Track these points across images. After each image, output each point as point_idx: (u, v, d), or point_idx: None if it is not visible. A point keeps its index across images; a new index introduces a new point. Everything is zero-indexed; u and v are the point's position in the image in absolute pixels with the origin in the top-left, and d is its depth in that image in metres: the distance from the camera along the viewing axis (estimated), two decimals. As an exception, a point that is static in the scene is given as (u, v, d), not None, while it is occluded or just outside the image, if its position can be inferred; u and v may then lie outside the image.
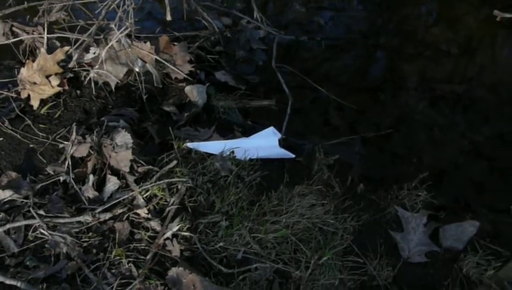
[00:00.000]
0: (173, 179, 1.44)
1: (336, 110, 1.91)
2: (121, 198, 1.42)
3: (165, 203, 1.42)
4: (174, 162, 1.50)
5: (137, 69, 1.93)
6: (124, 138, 1.54)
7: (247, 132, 1.83)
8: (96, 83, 1.90)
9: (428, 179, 1.47)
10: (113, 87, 1.88)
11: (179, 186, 1.44)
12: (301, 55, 2.14)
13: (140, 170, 1.51)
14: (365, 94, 1.97)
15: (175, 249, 1.29)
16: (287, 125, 1.72)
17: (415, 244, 1.24)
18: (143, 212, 1.39)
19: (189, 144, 1.61)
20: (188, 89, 1.93)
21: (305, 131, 1.83)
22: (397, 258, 1.23)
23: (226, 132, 1.80)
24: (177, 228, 1.33)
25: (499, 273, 1.12)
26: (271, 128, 1.72)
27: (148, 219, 1.38)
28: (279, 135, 1.69)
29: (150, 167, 1.51)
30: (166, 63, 1.96)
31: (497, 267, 1.17)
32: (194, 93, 1.92)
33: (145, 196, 1.42)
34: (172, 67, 1.96)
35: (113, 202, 1.41)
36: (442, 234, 1.27)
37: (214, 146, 1.61)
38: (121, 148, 1.51)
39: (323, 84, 1.97)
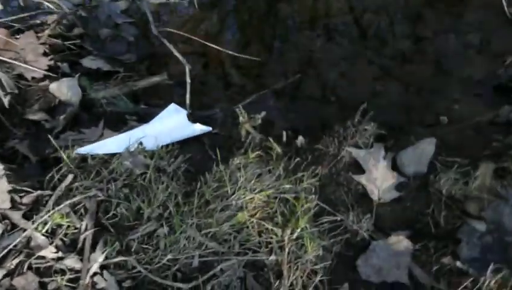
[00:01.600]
0: (76, 198, 1.11)
1: (235, 69, 1.69)
2: (11, 244, 1.05)
3: (76, 230, 1.08)
4: (70, 176, 1.16)
5: (-24, 78, 1.48)
6: None
7: (144, 118, 1.52)
8: None
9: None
10: None
11: (87, 204, 1.11)
12: (177, 19, 1.86)
13: (26, 200, 1.13)
14: (258, 45, 1.79)
15: (110, 283, 0.98)
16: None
17: (381, 181, 1.11)
18: (49, 252, 1.04)
19: (81, 150, 1.26)
20: (53, 87, 1.54)
21: (208, 100, 1.59)
22: (369, 202, 1.09)
23: (119, 125, 1.48)
24: (103, 256, 1.01)
25: (480, 181, 1.05)
26: (172, 106, 1.45)
27: (59, 259, 1.04)
28: (184, 111, 1.43)
29: (39, 192, 1.14)
30: (13, 61, 1.53)
31: (472, 177, 1.09)
32: (63, 90, 1.54)
33: (44, 231, 1.07)
34: (24, 65, 1.55)
35: (2, 254, 1.03)
36: (401, 161, 1.16)
37: (113, 143, 1.28)
38: (-10, 179, 1.11)
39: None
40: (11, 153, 1.38)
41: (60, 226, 1.08)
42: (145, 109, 1.54)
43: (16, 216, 1.10)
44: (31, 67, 1.56)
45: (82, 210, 1.11)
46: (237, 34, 1.85)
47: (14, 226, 1.10)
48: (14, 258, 1.04)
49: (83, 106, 1.54)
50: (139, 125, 1.44)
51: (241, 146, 1.28)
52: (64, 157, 1.18)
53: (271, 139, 1.22)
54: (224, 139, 1.36)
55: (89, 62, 1.65)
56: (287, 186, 1.08)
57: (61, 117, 1.46)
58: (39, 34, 1.68)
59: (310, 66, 1.70)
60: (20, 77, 1.56)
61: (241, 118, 1.26)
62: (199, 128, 1.31)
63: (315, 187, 1.09)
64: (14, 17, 1.72)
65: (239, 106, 1.37)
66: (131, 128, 1.44)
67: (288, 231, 0.99)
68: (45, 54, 1.62)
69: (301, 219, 1.01)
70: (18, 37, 1.63)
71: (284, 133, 1.28)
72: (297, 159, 1.18)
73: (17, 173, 1.29)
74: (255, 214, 1.03)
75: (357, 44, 1.76)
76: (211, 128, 1.34)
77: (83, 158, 1.25)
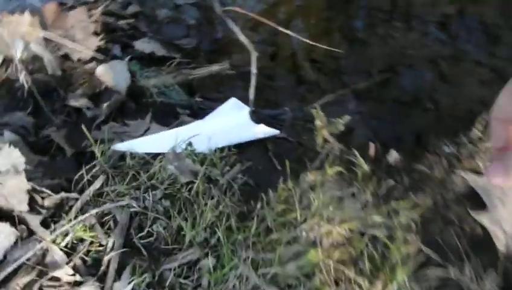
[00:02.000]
0: (105, 207, 0.88)
1: (309, 62, 1.42)
2: (25, 257, 0.84)
3: (100, 248, 0.86)
4: (101, 178, 0.94)
5: (18, 55, 1.31)
6: (9, 157, 0.94)
7: (198, 113, 1.29)
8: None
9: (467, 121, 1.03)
10: (-15, 88, 1.26)
11: (117, 216, 0.88)
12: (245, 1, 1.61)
13: (47, 202, 0.92)
14: (338, 34, 1.50)
15: (134, 326, 0.75)
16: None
17: (511, 224, 0.80)
18: (65, 273, 0.82)
19: (119, 146, 1.04)
20: (100, 70, 1.34)
21: (275, 97, 1.33)
22: (493, 252, 0.78)
23: (169, 119, 1.25)
24: (129, 288, 0.78)
25: None
26: (233, 100, 1.20)
27: (76, 284, 0.82)
28: (246, 108, 1.17)
29: (63, 194, 0.93)
30: (60, 40, 1.35)
31: None
32: (111, 74, 1.34)
33: (63, 244, 0.85)
34: (72, 44, 1.36)
35: (12, 267, 0.83)
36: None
37: (157, 141, 1.06)
38: (7, 174, 0.92)
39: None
40: (45, 143, 1.19)
41: (81, 241, 0.86)
42: (200, 103, 1.30)
43: (34, 222, 0.89)
44: (78, 47, 1.37)
45: (111, 222, 0.88)
46: (314, 20, 1.57)
47: (30, 233, 0.90)
48: (25, 275, 0.84)
49: (130, 94, 1.33)
50: (192, 121, 1.21)
51: (314, 157, 1.01)
52: (98, 153, 0.96)
53: (356, 152, 0.94)
54: (294, 147, 1.09)
55: (142, 45, 1.44)
56: (378, 218, 0.79)
57: (105, 105, 1.26)
58: (91, 12, 1.50)
59: (401, 64, 1.39)
60: (66, 57, 1.38)
61: (317, 122, 0.98)
62: (263, 130, 1.05)
63: (416, 224, 0.80)
64: (67, -8, 1.55)
65: (315, 106, 1.09)
66: (182, 124, 1.21)
67: (379, 285, 0.71)
68: (96, 34, 1.43)
69: (398, 268, 0.72)
70: (69, 13, 1.45)
71: (372, 145, 0.99)
72: (390, 181, 0.89)
73: (48, 166, 1.09)
74: (332, 253, 0.75)
75: (460, 40, 1.43)
76: (278, 132, 1.07)
77: (121, 156, 1.03)
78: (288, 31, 1.36)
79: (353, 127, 1.18)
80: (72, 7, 1.53)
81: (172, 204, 0.89)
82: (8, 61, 1.32)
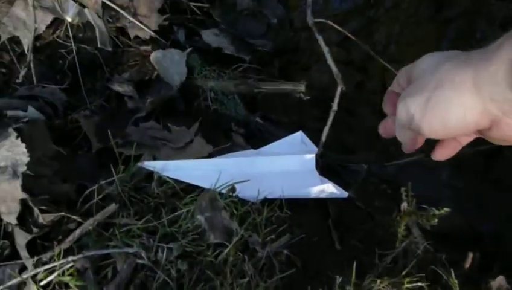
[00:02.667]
0: (107, 250, 0.68)
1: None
2: (-5, 285, 0.66)
3: (86, 303, 0.66)
4: (113, 206, 0.73)
5: (69, 19, 1.13)
6: (12, 151, 0.76)
7: (254, 136, 1.06)
8: (-3, 38, 1.10)
9: None
10: (26, 48, 1.09)
11: (118, 266, 0.68)
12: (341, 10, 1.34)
13: (43, 219, 0.73)
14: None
15: None
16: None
17: None
18: (33, 328, 0.63)
19: (148, 164, 0.84)
20: (156, 56, 1.14)
21: (351, 140, 1.08)
22: None
23: (218, 135, 1.04)
24: None
25: None
26: (300, 135, 0.96)
27: None
28: (314, 149, 0.93)
29: (64, 213, 0.73)
30: (120, 10, 1.16)
31: None
32: (167, 64, 1.14)
33: (44, 283, 0.66)
34: (131, 19, 1.16)
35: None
36: None
37: (196, 170, 0.84)
38: (3, 173, 0.73)
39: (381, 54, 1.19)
40: (72, 129, 1.01)
41: (66, 286, 0.66)
42: (260, 123, 1.07)
43: (21, 240, 0.71)
44: (138, 23, 1.17)
45: (109, 271, 0.68)
46: (417, 49, 1.28)
47: (13, 252, 0.71)
48: (-10, 308, 0.65)
49: (182, 92, 1.12)
50: (245, 146, 0.98)
51: (388, 242, 0.76)
52: (114, 172, 0.76)
53: (446, 263, 0.68)
54: (362, 217, 0.84)
55: (210, 36, 1.22)
56: None
57: (150, 99, 1.06)
58: (163, -16, 1.29)
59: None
60: (122, 31, 1.18)
61: (403, 205, 0.73)
62: (329, 190, 0.81)
63: None
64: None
65: (385, 165, 0.84)
66: (233, 147, 0.99)
67: None
68: (161, 11, 1.22)
69: None
70: (138, -19, 1.25)
71: (470, 255, 0.72)
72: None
73: (65, 162, 0.91)
74: None
75: None
76: (346, 194, 0.83)
77: (148, 175, 0.83)
78: (381, 60, 1.09)
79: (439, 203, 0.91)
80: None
81: (190, 269, 0.67)
82: (58, 23, 1.15)
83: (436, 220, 0.71)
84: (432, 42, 1.33)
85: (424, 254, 0.71)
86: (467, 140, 0.51)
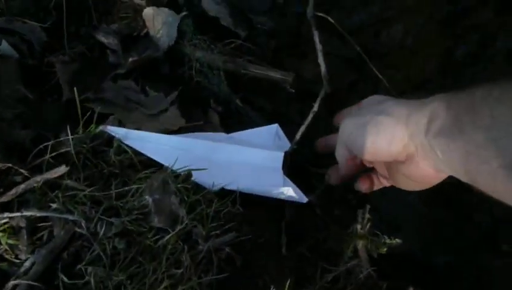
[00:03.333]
0: (47, 213, 0.66)
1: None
2: None
3: (16, 261, 0.64)
4: (62, 169, 0.71)
5: (64, -46, 1.07)
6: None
7: (231, 116, 1.03)
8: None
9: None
10: (13, -24, 1.03)
11: (55, 231, 0.66)
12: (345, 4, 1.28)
13: (-11, 166, 0.70)
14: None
15: None
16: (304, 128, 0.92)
17: None
18: (-46, 277, 0.61)
19: (111, 129, 0.81)
20: (149, 12, 1.09)
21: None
22: None
23: (194, 110, 1.01)
24: None
25: None
26: (276, 128, 0.94)
27: (-40, 298, 0.61)
28: (286, 144, 0.91)
29: (11, 165, 0.71)
30: (121, -44, 1.10)
31: None
32: (158, 23, 1.09)
33: (-26, 234, 0.64)
34: (130, -32, 1.10)
35: None
36: None
37: (161, 144, 0.81)
38: (-45, 112, 0.70)
39: (374, 57, 1.15)
40: (45, 73, 0.97)
41: (-4, 242, 0.64)
42: (240, 105, 1.04)
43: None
44: (137, -26, 1.11)
45: (45, 234, 0.66)
46: (417, 69, 1.24)
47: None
48: None
49: (168, 56, 1.08)
50: (218, 129, 0.95)
51: (335, 259, 0.75)
52: (69, 133, 0.73)
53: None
54: (316, 226, 0.83)
55: (210, 4, 1.17)
56: None
57: (133, 58, 1.02)
58: None
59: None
60: (118, -21, 1.12)
61: (357, 226, 0.71)
62: (291, 193, 0.79)
63: None
64: None
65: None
66: (207, 125, 0.96)
67: None
68: (164, -34, 1.16)
69: None
70: None
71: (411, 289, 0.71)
72: None
73: (30, 107, 0.88)
74: None
75: None
76: (305, 200, 0.81)
77: (109, 142, 0.80)
78: (376, 72, 1.06)
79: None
80: None
81: (127, 248, 0.65)
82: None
83: (385, 249, 0.70)
84: (442, 52, 1.28)
85: (365, 279, 0.70)
86: (384, 183, 0.67)
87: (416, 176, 0.52)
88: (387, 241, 0.69)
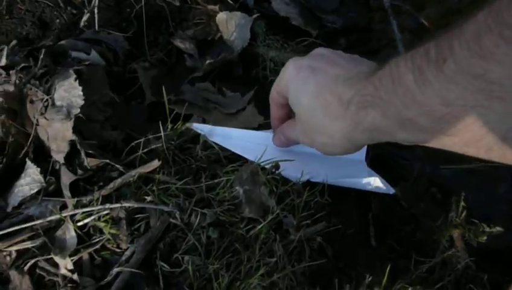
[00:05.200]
0: (144, 204, 0.69)
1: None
2: (36, 221, 0.68)
3: (118, 250, 0.68)
4: (155, 163, 0.74)
5: (142, -33, 1.13)
6: (69, 91, 0.77)
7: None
8: (73, -22, 1.12)
9: None
10: (97, -9, 1.10)
11: (152, 221, 0.69)
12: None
13: (88, 163, 0.75)
14: None
15: None
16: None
17: None
18: (64, 265, 0.65)
19: (197, 126, 0.83)
20: (222, 17, 1.12)
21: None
22: None
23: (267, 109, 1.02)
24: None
25: None
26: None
27: (71, 282, 0.65)
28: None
29: (109, 160, 0.75)
30: (194, -35, 1.14)
31: None
32: (231, 26, 1.12)
33: (81, 224, 0.68)
34: (203, -25, 1.14)
35: (18, 226, 0.68)
36: None
37: (245, 139, 0.83)
38: (58, 113, 0.75)
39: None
40: (129, 79, 1.02)
41: (100, 232, 0.67)
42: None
43: (66, 180, 0.73)
44: (209, -19, 1.15)
45: (142, 225, 0.69)
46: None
47: (57, 189, 0.74)
48: (25, 240, 0.68)
49: (242, 58, 1.10)
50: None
51: (427, 250, 0.72)
52: (161, 128, 0.76)
53: (487, 284, 0.64)
54: (404, 219, 0.80)
55: (280, 5, 1.18)
56: None
57: (210, 61, 1.05)
58: None
59: None
60: (192, -13, 1.17)
61: (451, 214, 0.68)
62: (377, 183, 0.77)
63: None
64: None
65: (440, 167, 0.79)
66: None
67: None
68: (235, -28, 1.19)
69: None
70: None
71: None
72: None
73: (117, 110, 0.93)
74: None
75: None
76: (393, 191, 0.79)
77: (194, 138, 0.82)
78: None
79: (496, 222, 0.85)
80: None
81: (220, 237, 0.67)
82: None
83: (485, 237, 0.66)
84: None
85: (464, 270, 0.66)
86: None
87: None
88: (487, 229, 0.66)
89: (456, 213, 0.67)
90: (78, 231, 0.67)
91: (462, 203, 0.68)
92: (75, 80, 0.76)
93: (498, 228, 0.66)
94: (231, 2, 1.16)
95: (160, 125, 0.75)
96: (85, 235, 0.68)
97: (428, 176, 0.94)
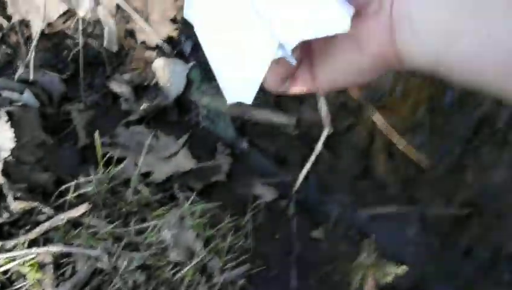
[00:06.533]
0: (70, 249, 0.70)
1: (386, 155, 1.18)
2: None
3: (40, 296, 0.67)
4: (85, 206, 0.75)
5: (81, 13, 1.16)
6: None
7: (238, 160, 1.09)
8: (9, 18, 1.13)
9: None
10: (34, 33, 1.11)
11: (78, 266, 0.70)
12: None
13: (15, 206, 0.75)
14: (436, 143, 1.24)
15: None
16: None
17: None
18: (-16, 312, 0.64)
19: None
20: (158, 63, 1.17)
21: (331, 179, 1.10)
22: None
23: (204, 150, 1.07)
24: None
25: None
26: None
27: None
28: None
29: (37, 204, 0.75)
30: (134, 13, 1.19)
31: None
32: (168, 73, 1.17)
33: (2, 270, 0.68)
34: (142, 23, 1.19)
35: None
36: None
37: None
38: (-14, 156, 0.75)
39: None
40: (63, 121, 1.03)
41: (22, 277, 0.67)
42: (246, 148, 1.10)
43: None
44: (148, 29, 1.20)
45: (68, 270, 0.70)
46: (410, 115, 1.31)
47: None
48: None
49: (177, 104, 1.15)
50: (227, 160, 1.01)
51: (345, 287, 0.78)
52: (100, 166, 0.78)
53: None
54: (327, 257, 0.86)
55: (215, 54, 1.25)
56: None
57: (145, 105, 1.09)
58: (180, -5, 1.33)
59: (493, 204, 1.12)
60: (130, 34, 1.21)
61: (363, 255, 0.75)
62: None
63: None
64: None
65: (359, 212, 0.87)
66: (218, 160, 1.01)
67: None
68: (173, 21, 1.26)
69: None
70: (156, -13, 1.28)
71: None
72: None
73: (49, 151, 0.93)
74: None
75: None
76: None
77: (126, 182, 0.85)
78: (374, 115, 1.13)
79: (404, 260, 0.94)
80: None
81: (146, 281, 0.69)
82: (70, 14, 1.17)
83: (392, 276, 0.74)
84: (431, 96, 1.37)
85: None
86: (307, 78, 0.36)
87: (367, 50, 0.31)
88: (394, 269, 0.73)
89: (368, 254, 0.74)
90: (0, 277, 0.67)
91: (374, 246, 0.75)
92: (7, 121, 0.77)
93: (404, 267, 0.73)
94: (168, 48, 1.22)
95: (92, 168, 0.77)
96: (7, 281, 0.67)
97: (347, 219, 1.02)
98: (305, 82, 0.34)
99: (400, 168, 1.16)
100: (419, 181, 1.14)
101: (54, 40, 1.14)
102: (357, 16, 0.30)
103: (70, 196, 0.76)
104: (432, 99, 1.34)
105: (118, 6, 1.19)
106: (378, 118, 1.17)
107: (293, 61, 0.30)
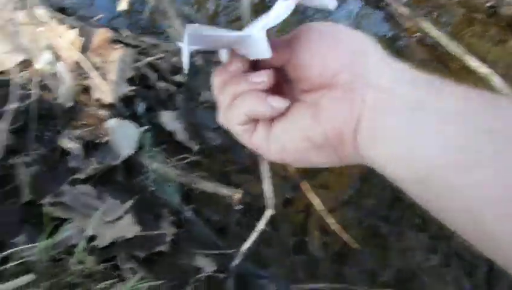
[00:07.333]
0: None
1: (319, 232, 1.27)
2: None
3: None
4: (30, 276, 0.74)
5: (39, 65, 1.17)
6: None
7: (180, 228, 1.12)
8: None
9: None
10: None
11: None
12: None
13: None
14: (366, 221, 1.35)
15: None
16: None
17: None
18: None
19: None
20: (111, 123, 1.19)
21: (267, 254, 1.16)
22: None
23: (148, 218, 1.08)
24: None
25: None
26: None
27: None
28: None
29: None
30: (91, 71, 1.21)
31: None
32: (119, 133, 1.19)
33: None
34: (99, 81, 1.22)
35: None
36: None
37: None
38: None
39: (305, 177, 1.32)
40: (5, 175, 1.01)
41: None
42: (190, 217, 1.13)
43: None
44: (104, 87, 1.22)
45: None
46: (343, 195, 1.42)
47: None
48: None
49: (126, 166, 1.17)
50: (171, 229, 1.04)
51: None
52: (46, 224, 0.78)
53: None
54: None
55: (167, 119, 1.30)
56: None
57: (94, 165, 1.10)
58: (138, 56, 1.37)
59: (415, 282, 1.24)
60: (85, 90, 1.23)
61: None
62: None
63: None
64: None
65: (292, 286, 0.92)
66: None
67: None
68: (130, 81, 1.29)
69: None
70: (116, 47, 1.32)
71: None
72: None
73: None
74: None
75: (479, 280, 1.28)
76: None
77: (70, 248, 0.85)
78: (310, 196, 1.22)
79: None
80: (124, 44, 1.40)
81: None
82: (28, 63, 1.17)
83: None
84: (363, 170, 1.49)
85: None
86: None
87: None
88: None
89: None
90: None
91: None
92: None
93: None
94: (122, 108, 1.24)
95: (33, 228, 0.77)
96: None
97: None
98: (261, 138, 0.33)
99: (330, 244, 1.25)
100: (346, 258, 1.23)
101: (8, 87, 1.13)
102: (328, 86, 0.30)
103: (10, 264, 0.75)
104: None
105: (77, 63, 1.21)
106: (311, 196, 1.26)
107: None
